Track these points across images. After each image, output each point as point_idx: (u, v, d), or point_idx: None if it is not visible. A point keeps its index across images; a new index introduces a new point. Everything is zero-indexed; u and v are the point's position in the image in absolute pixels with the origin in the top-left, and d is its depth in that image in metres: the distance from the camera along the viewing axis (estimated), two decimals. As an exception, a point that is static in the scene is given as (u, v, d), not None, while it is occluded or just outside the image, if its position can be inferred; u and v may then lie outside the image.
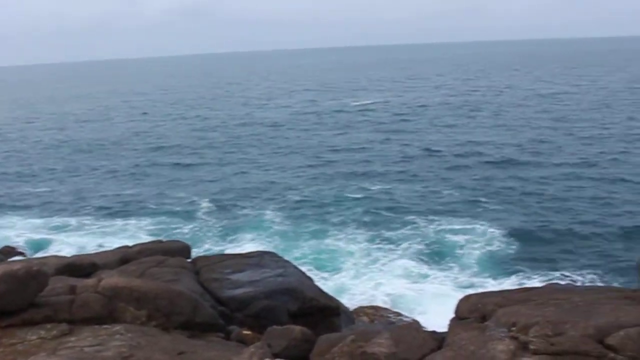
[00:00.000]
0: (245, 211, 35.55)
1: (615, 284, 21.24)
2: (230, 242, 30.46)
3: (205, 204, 37.07)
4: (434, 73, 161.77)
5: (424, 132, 61.32)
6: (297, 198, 37.85)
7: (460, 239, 29.24)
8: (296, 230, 31.65)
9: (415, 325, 10.63)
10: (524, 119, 66.42)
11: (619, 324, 8.23)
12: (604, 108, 73.43)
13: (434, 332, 11.67)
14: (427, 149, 51.55)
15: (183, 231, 32.19)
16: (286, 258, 18.80)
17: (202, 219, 34.50)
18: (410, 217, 32.68)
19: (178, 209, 36.55)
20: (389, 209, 34.63)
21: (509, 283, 23.36)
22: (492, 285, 23.38)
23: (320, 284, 18.83)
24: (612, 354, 7.78)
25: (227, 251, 25.91)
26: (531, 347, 8.07)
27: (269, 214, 34.55)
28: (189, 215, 35.10)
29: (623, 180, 38.65)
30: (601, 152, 47.10)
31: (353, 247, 28.76)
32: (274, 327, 11.42)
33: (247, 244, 28.91)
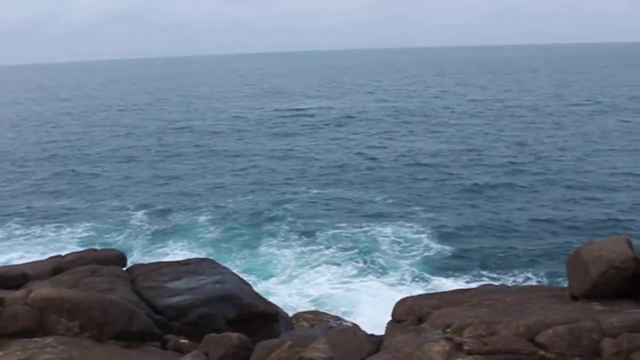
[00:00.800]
0: (179, 218, 35.14)
1: (545, 284, 22.02)
2: (165, 249, 30.01)
3: (139, 213, 36.42)
4: (372, 79, 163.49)
5: (358, 138, 61.87)
6: (232, 204, 37.67)
7: (395, 243, 29.69)
8: (230, 237, 31.49)
9: (352, 329, 10.68)
10: (457, 124, 67.84)
11: (548, 322, 8.50)
12: (530, 112, 76.02)
13: (371, 336, 11.76)
14: (361, 154, 52.10)
15: (117, 240, 31.55)
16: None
17: (136, 226, 33.88)
18: (345, 222, 32.97)
19: (111, 217, 35.81)
20: (323, 214, 34.82)
21: (444, 285, 23.78)
22: (428, 287, 23.84)
23: (258, 290, 18.77)
24: (541, 352, 8.03)
25: (163, 259, 25.51)
26: (465, 347, 8.25)
27: (202, 221, 34.26)
28: (122, 224, 34.43)
29: (552, 182, 40.01)
30: (531, 155, 48.74)
31: (287, 253, 28.83)
32: (212, 334, 11.32)
33: (181, 252, 28.64)
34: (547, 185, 39.10)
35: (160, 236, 32.11)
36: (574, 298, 10.28)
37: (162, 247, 30.48)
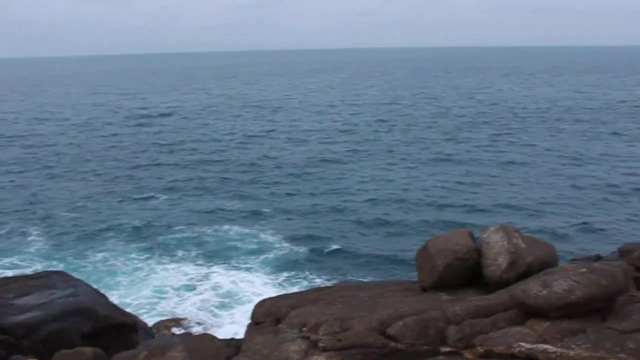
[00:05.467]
0: (6, 230, 32.75)
1: (398, 278, 22.93)
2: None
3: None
4: (236, 81, 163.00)
5: (213, 142, 61.18)
6: (72, 213, 35.89)
7: (251, 245, 29.81)
8: (81, 248, 29.96)
9: (209, 335, 10.59)
10: (313, 131, 68.39)
11: (398, 314, 8.86)
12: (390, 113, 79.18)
13: (231, 340, 11.73)
14: (211, 160, 51.44)
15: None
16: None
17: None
18: (198, 228, 32.63)
19: None
20: (172, 221, 34.08)
21: (303, 284, 24.16)
22: (287, 287, 24.09)
23: (115, 301, 18.16)
24: (393, 343, 8.37)
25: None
26: (320, 344, 8.42)
27: (36, 233, 32.21)
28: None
29: (400, 182, 41.84)
30: (370, 155, 50.75)
31: (142, 260, 28.11)
32: (63, 351, 10.83)
33: (29, 265, 26.91)
34: (398, 189, 40.44)
35: None
36: (424, 290, 10.78)
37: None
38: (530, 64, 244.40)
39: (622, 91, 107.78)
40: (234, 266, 27.19)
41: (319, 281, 24.57)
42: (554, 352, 7.79)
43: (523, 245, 10.54)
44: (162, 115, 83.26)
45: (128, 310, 18.71)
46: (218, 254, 28.75)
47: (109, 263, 27.90)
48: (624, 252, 13.70)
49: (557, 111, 78.07)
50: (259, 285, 24.99)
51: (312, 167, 46.65)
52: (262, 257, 28.23)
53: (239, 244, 29.97)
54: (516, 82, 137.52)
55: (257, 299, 12.57)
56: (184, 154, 54.09)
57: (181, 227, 32.88)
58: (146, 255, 28.63)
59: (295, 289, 23.15)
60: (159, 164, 49.87)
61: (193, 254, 28.84)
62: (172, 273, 26.50)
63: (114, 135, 66.14)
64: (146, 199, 38.96)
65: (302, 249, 29.09)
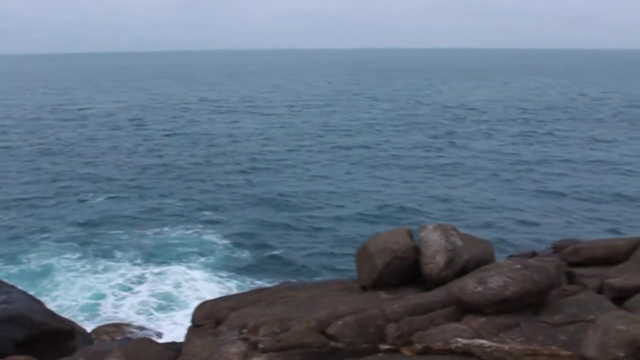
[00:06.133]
0: None
1: (339, 277, 23.04)
2: None
3: None
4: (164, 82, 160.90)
5: (151, 142, 60.08)
6: (3, 215, 34.66)
7: (191, 246, 29.44)
8: (12, 253, 28.80)
9: (148, 339, 10.43)
10: (255, 132, 68.03)
11: (337, 314, 8.93)
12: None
13: (172, 343, 11.58)
14: (150, 162, 50.34)
15: None
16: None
17: None
18: (137, 229, 32.02)
19: None
20: (110, 223, 33.28)
21: (244, 286, 23.97)
22: (228, 289, 23.92)
23: (51, 307, 17.68)
24: (332, 343, 8.42)
25: None
26: (260, 346, 8.41)
27: None
28: None
29: (332, 183, 42.15)
30: (311, 157, 50.95)
31: (73, 264, 27.30)
32: (-5, 360, 10.46)
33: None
34: (332, 189, 40.69)
35: None
36: (364, 289, 10.89)
37: None
38: (466, 66, 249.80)
39: (556, 93, 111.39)
40: (174, 268, 26.77)
41: (260, 282, 24.41)
42: (489, 347, 7.99)
43: (460, 243, 10.78)
44: (97, 115, 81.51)
45: (65, 315, 18.25)
46: (158, 255, 28.28)
47: (43, 268, 26.99)
48: (557, 248, 14.16)
49: (494, 113, 79.93)
50: (200, 287, 24.69)
51: (252, 170, 46.44)
52: (204, 258, 27.93)
53: (179, 246, 29.57)
54: (449, 84, 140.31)
55: (199, 301, 12.45)
56: (121, 155, 53.02)
57: (120, 228, 32.23)
58: (84, 259, 27.88)
59: (237, 290, 23.00)
60: (94, 164, 48.75)
61: (132, 256, 28.26)
62: (111, 276, 25.92)
63: (46, 136, 64.17)
64: (82, 200, 38.00)
65: (244, 250, 28.93)
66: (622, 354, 6.81)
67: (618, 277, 10.31)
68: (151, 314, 22.61)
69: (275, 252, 28.79)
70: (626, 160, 48.06)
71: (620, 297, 9.64)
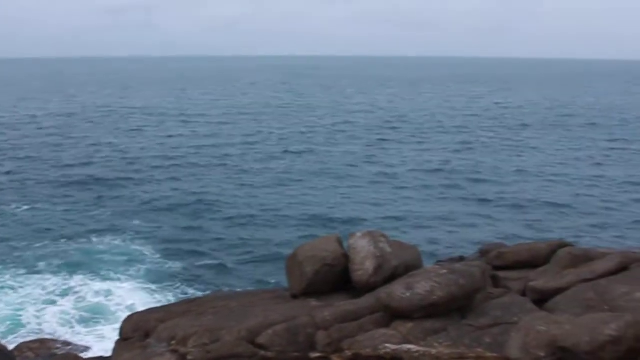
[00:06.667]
0: None
1: (270, 286, 22.96)
2: None
3: None
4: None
5: (76, 150, 58.37)
6: None
7: (118, 257, 28.65)
8: None
9: (73, 355, 10.14)
10: (183, 139, 67.26)
11: (268, 323, 8.92)
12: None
13: (99, 358, 11.29)
14: (75, 171, 48.76)
15: None
16: None
17: None
18: (62, 240, 30.99)
19: None
20: (32, 233, 32.11)
21: (175, 297, 23.49)
22: (159, 300, 23.37)
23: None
24: (262, 352, 8.40)
25: None
26: (189, 357, 8.30)
27: None
28: None
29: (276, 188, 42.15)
30: (240, 165, 50.80)
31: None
32: None
33: None
34: (278, 196, 40.85)
35: None
36: (294, 297, 10.91)
37: None
38: (399, 74, 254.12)
39: (484, 101, 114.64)
40: (102, 279, 25.96)
41: (191, 292, 24.03)
42: (417, 352, 8.13)
43: (389, 250, 10.93)
44: (22, 123, 78.77)
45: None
46: (84, 266, 27.33)
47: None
48: (483, 253, 14.56)
49: (423, 121, 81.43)
50: (129, 298, 23.99)
51: (183, 178, 45.80)
52: (132, 269, 27.21)
53: (107, 256, 28.73)
54: (382, 92, 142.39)
55: (127, 314, 12.18)
56: (45, 164, 51.24)
57: (44, 239, 31.07)
58: (3, 272, 26.75)
59: (167, 301, 22.54)
60: (15, 173, 47.01)
61: (56, 268, 27.18)
62: (33, 289, 24.94)
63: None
64: (3, 212, 36.50)
65: (175, 260, 28.36)
66: (542, 354, 7.05)
67: (539, 280, 10.67)
68: (77, 328, 21.86)
69: (207, 262, 28.39)
70: (547, 167, 49.89)
71: (541, 299, 9.99)
